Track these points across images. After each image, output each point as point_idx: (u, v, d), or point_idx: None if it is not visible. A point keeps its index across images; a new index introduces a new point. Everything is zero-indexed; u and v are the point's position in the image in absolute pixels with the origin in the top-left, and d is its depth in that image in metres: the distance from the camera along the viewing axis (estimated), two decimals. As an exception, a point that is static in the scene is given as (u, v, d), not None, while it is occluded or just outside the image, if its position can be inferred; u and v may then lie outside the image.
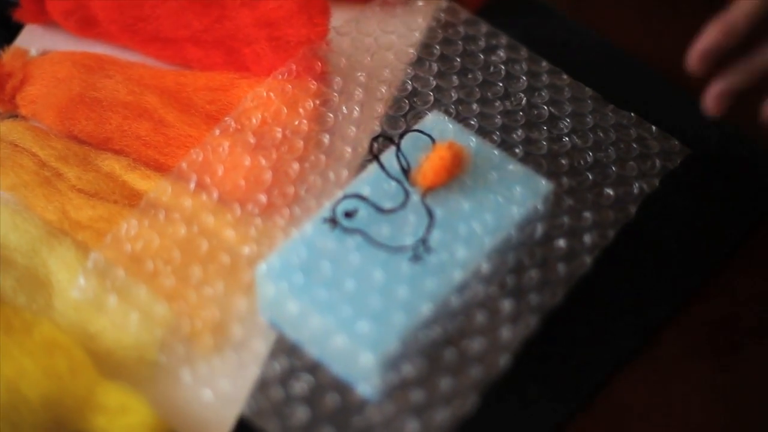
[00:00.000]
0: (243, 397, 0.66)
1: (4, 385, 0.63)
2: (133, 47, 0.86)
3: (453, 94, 0.80)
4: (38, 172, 0.77)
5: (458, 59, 0.83)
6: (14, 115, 0.82)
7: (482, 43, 0.84)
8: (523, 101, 0.80)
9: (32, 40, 0.87)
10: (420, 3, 0.86)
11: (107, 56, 0.84)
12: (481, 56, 0.83)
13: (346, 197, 0.70)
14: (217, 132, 0.76)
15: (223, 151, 0.75)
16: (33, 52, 0.85)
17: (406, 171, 0.71)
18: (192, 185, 0.74)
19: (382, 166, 0.71)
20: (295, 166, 0.75)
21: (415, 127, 0.74)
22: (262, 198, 0.73)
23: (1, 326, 0.66)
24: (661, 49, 0.88)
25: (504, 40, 0.84)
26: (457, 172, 0.70)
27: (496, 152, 0.73)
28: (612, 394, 0.69)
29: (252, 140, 0.75)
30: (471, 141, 0.73)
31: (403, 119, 0.79)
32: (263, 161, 0.75)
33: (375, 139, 0.74)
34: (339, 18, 0.84)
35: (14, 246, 0.73)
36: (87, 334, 0.68)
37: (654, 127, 0.79)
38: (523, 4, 0.91)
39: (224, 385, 0.67)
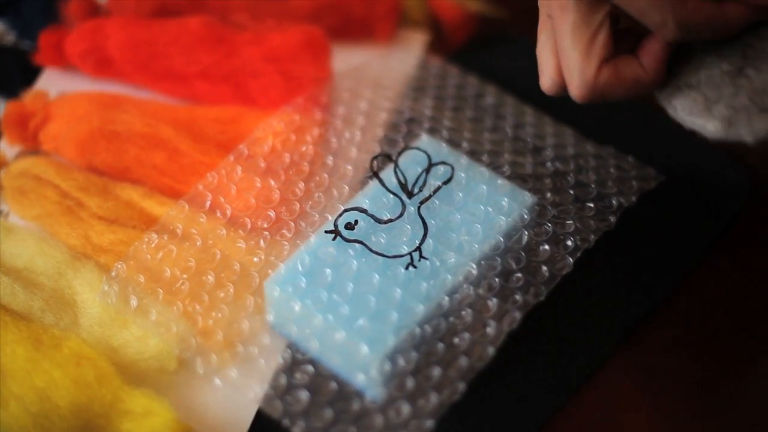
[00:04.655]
0: (257, 393, 0.68)
1: (36, 395, 0.66)
2: (146, 85, 0.88)
3: (446, 123, 0.83)
4: (61, 202, 0.79)
5: (450, 100, 0.86)
6: (36, 151, 0.84)
7: (472, 90, 0.87)
8: (509, 135, 0.82)
9: (51, 83, 0.90)
10: (412, 61, 0.91)
11: (122, 95, 0.86)
12: (470, 100, 0.86)
13: (346, 210, 0.73)
14: (232, 158, 0.78)
15: (236, 174, 0.77)
16: (53, 94, 0.87)
17: (403, 186, 0.74)
18: (207, 203, 0.76)
19: (381, 182, 0.74)
20: (301, 185, 0.77)
21: (412, 145, 0.77)
22: (271, 214, 0.75)
23: (31, 342, 0.68)
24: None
25: (491, 89, 0.87)
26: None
27: (484, 170, 0.76)
28: (599, 385, 0.71)
29: (263, 165, 0.78)
30: (462, 159, 0.76)
31: (401, 140, 0.81)
32: (273, 182, 0.77)
33: (375, 157, 0.76)
34: (339, 54, 0.88)
35: (41, 270, 0.75)
36: (111, 348, 0.71)
37: (630, 158, 0.81)
38: (502, 40, 0.94)
39: (233, 375, 0.69)
